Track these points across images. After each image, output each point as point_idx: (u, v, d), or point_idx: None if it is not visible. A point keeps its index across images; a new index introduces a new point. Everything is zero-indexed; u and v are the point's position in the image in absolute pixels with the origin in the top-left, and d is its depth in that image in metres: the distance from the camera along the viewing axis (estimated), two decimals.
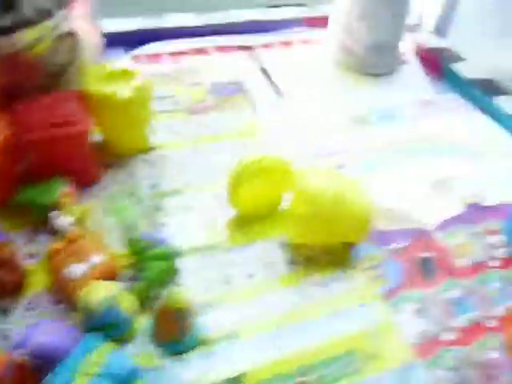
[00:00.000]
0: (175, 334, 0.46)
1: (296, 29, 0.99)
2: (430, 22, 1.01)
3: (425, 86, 0.89)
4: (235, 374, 0.46)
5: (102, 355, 0.42)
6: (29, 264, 0.52)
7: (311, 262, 0.56)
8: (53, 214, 0.53)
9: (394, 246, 0.59)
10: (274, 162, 0.57)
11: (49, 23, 0.57)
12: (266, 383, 0.46)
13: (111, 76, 0.62)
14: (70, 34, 0.61)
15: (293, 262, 0.56)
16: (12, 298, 0.49)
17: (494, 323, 0.53)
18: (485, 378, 0.48)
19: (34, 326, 0.43)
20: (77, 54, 0.63)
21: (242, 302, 0.52)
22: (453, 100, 0.86)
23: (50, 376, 0.39)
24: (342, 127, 0.77)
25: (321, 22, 0.98)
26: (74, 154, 0.58)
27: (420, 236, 0.61)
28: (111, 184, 0.62)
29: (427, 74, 0.92)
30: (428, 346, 0.50)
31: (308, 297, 0.53)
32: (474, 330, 0.52)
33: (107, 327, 0.45)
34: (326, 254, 0.57)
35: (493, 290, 0.56)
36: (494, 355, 0.50)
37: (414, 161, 0.71)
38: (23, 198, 0.56)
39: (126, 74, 0.62)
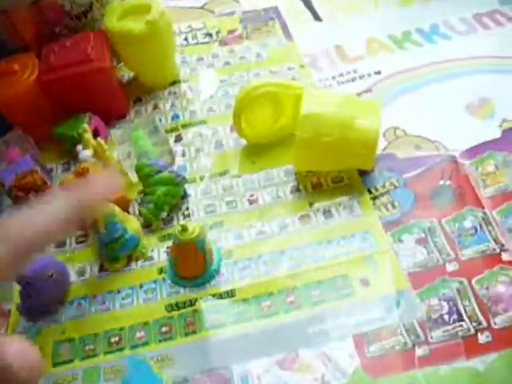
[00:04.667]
0: (200, 266, 0.49)
1: None
2: None
3: None
4: (228, 289, 0.49)
5: None
6: None
7: (318, 190, 0.56)
8: (77, 147, 0.59)
9: (411, 173, 0.56)
10: (281, 86, 0.56)
11: None
12: (255, 298, 0.48)
13: (129, 12, 0.64)
14: None
15: (298, 190, 0.56)
16: None
17: (509, 257, 0.48)
18: (484, 311, 0.45)
19: None
20: None
21: (241, 225, 0.54)
22: None
23: None
24: (379, 48, 0.71)
25: None
26: (98, 89, 0.62)
27: (443, 163, 0.56)
28: (136, 117, 0.67)
29: None
30: (425, 275, 0.48)
31: (310, 223, 0.53)
32: (482, 262, 0.48)
33: (116, 243, 0.50)
34: (333, 181, 0.56)
35: None
36: (501, 289, 0.46)
37: (452, 82, 0.64)
38: (56, 132, 0.62)
39: (143, 9, 0.63)
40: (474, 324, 0.45)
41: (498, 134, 0.58)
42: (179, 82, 0.71)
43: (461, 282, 0.47)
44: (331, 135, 0.51)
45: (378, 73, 0.67)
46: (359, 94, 0.65)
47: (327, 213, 0.54)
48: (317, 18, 0.78)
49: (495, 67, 0.65)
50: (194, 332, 0.47)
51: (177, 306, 0.49)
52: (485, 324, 0.45)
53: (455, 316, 0.45)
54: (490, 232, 0.50)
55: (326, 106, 0.52)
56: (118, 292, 0.51)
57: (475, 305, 0.46)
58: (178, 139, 0.63)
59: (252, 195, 0.56)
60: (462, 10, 0.75)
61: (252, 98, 0.55)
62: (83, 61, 0.59)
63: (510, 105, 0.60)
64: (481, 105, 0.61)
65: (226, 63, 0.73)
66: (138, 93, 0.70)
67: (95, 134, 0.62)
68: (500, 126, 0.59)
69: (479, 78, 0.64)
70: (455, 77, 0.65)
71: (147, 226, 0.55)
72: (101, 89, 0.62)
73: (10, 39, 0.63)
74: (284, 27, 0.77)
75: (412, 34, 0.72)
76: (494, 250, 0.49)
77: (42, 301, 0.49)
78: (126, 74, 0.72)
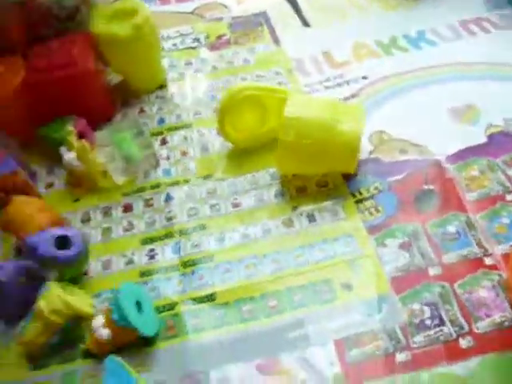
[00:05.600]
0: None
1: None
2: None
3: (474, 3, 0.77)
4: (209, 292, 0.49)
5: None
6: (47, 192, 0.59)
7: (302, 194, 0.56)
8: (61, 149, 0.58)
9: (395, 177, 0.56)
10: (264, 90, 0.56)
11: None
12: (237, 302, 0.48)
13: (116, 15, 0.64)
14: None
15: (283, 194, 0.56)
16: None
17: (492, 261, 0.48)
18: (466, 315, 0.45)
19: None
20: None
21: (224, 228, 0.54)
22: (506, 17, 0.74)
23: None
24: (366, 54, 0.71)
25: None
26: (84, 92, 0.62)
27: (427, 167, 0.56)
28: (122, 120, 0.66)
29: None
30: (407, 280, 0.47)
31: (293, 227, 0.53)
32: (465, 266, 0.48)
33: None
34: (318, 185, 0.56)
35: (501, 225, 0.50)
36: (484, 294, 0.46)
37: (437, 88, 0.64)
38: (41, 134, 0.62)
39: (130, 12, 0.63)
40: (456, 329, 0.44)
41: (483, 139, 0.58)
42: (166, 85, 0.71)
43: (443, 287, 0.47)
44: (312, 138, 0.51)
45: (365, 78, 0.67)
46: (346, 99, 0.65)
47: (311, 217, 0.54)
48: (305, 23, 0.79)
49: (480, 73, 0.65)
50: (174, 336, 0.46)
51: (157, 311, 0.48)
52: (467, 329, 0.44)
53: (437, 321, 0.45)
54: (473, 236, 0.50)
55: (309, 110, 0.52)
56: None
57: (457, 309, 0.45)
58: (164, 143, 0.63)
59: (236, 199, 0.56)
60: (448, 16, 0.75)
61: (236, 101, 0.55)
62: (68, 63, 0.59)
63: (495, 110, 0.61)
64: (466, 110, 0.61)
65: (214, 68, 0.73)
66: (125, 96, 0.70)
67: (81, 137, 0.62)
68: (485, 131, 0.59)
69: (464, 84, 0.64)
70: (440, 82, 0.65)
71: None
72: (86, 91, 0.62)
73: None
74: (272, 32, 0.78)
75: (398, 39, 0.73)
76: (477, 254, 0.49)
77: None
78: (114, 77, 0.72)
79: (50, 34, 0.65)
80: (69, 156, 0.58)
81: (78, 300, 0.47)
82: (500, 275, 0.47)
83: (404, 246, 0.50)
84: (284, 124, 0.51)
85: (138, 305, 0.46)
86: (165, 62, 0.73)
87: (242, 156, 0.60)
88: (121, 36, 0.61)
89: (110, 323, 0.44)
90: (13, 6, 0.61)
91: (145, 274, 0.51)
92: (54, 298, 0.45)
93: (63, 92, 0.61)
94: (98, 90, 0.64)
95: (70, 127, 0.59)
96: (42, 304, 0.45)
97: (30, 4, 0.62)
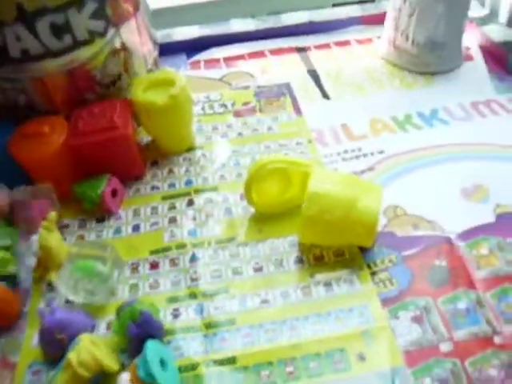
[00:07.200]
0: None
1: (354, 28, 0.99)
2: (503, 14, 0.93)
3: (485, 85, 0.83)
4: (230, 355, 0.51)
5: None
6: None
7: (320, 262, 0.59)
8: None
9: (409, 251, 0.59)
10: (290, 163, 0.61)
11: (101, 41, 0.66)
12: (256, 367, 0.50)
13: (154, 84, 0.69)
14: (122, 49, 0.70)
15: (301, 261, 0.59)
16: None
17: (501, 340, 0.50)
18: None
19: None
20: (128, 65, 0.72)
21: (246, 293, 0.56)
22: None
23: None
24: (382, 129, 0.76)
25: (381, 19, 0.97)
26: (120, 154, 0.67)
27: (439, 243, 0.59)
28: (153, 179, 0.71)
29: (491, 72, 0.86)
30: (420, 354, 0.50)
31: (311, 294, 0.56)
32: (475, 344, 0.50)
33: None
34: (335, 255, 0.59)
35: (509, 305, 0.53)
36: (493, 373, 0.48)
37: (450, 166, 0.69)
38: (77, 192, 0.66)
39: (166, 83, 0.69)
40: None
41: (492, 219, 0.62)
42: (194, 148, 0.76)
43: (454, 364, 0.49)
44: (334, 214, 0.55)
45: (381, 152, 0.72)
46: (363, 172, 0.69)
47: (328, 285, 0.56)
48: (325, 96, 0.84)
49: (488, 154, 0.70)
50: None
51: (179, 370, 0.50)
52: None
53: None
54: (482, 314, 0.52)
55: (332, 187, 0.56)
56: None
57: None
58: (190, 204, 0.67)
59: (257, 263, 0.59)
60: (460, 97, 0.81)
61: (263, 172, 0.60)
62: (109, 128, 0.64)
63: (503, 190, 0.64)
64: (475, 189, 0.65)
65: (239, 134, 0.78)
66: (155, 156, 0.75)
67: (113, 195, 0.67)
68: (494, 210, 0.62)
69: (474, 164, 0.68)
70: (451, 161, 0.69)
71: None
72: (122, 153, 0.67)
73: (42, 102, 0.69)
74: (294, 103, 0.83)
75: (413, 117, 0.78)
76: (487, 332, 0.51)
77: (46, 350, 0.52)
78: (145, 137, 0.77)
79: (91, 98, 0.71)
80: None
81: (106, 355, 0.49)
82: (509, 355, 0.49)
83: (416, 320, 0.53)
84: (308, 199, 0.55)
85: (162, 363, 0.48)
86: (194, 126, 0.78)
87: (262, 221, 0.64)
88: (158, 104, 0.66)
89: (135, 380, 0.47)
90: (61, 73, 0.67)
91: (168, 332, 0.54)
92: (84, 351, 0.48)
93: (101, 153, 0.66)
94: (132, 152, 0.68)
95: (101, 189, 0.64)
96: (72, 356, 0.48)
97: (78, 71, 0.67)
